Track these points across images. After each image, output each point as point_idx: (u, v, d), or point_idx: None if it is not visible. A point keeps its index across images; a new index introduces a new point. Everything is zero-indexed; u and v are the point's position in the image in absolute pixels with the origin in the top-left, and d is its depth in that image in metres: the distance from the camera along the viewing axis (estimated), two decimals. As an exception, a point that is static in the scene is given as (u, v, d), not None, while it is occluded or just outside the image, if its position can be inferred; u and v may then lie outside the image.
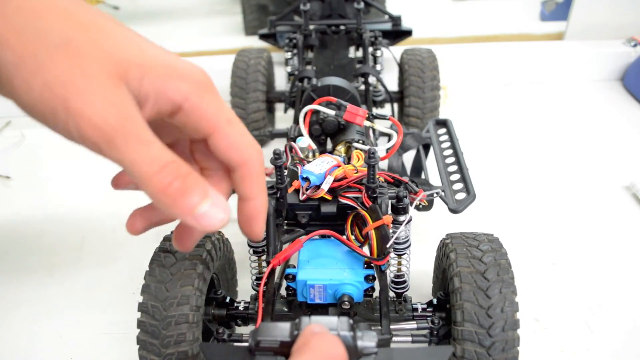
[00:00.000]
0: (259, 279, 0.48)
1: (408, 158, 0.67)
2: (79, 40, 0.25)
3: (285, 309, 0.44)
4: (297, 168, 0.46)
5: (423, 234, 0.62)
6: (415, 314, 0.44)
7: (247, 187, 0.31)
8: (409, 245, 0.45)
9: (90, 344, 0.54)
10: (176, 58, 0.28)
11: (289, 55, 0.81)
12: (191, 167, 0.27)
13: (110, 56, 0.25)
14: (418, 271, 0.52)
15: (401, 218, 0.44)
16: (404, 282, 0.46)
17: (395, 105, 0.83)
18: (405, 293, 0.47)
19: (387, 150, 0.51)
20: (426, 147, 0.67)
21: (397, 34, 0.92)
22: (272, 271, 0.42)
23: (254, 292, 0.48)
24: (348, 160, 0.51)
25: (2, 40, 0.24)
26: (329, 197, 0.45)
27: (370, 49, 0.81)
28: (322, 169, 0.45)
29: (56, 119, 0.25)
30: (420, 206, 0.52)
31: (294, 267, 0.42)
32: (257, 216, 0.32)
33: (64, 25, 0.25)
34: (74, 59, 0.24)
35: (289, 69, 0.81)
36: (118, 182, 0.32)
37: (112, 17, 0.28)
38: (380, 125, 0.52)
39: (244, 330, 0.49)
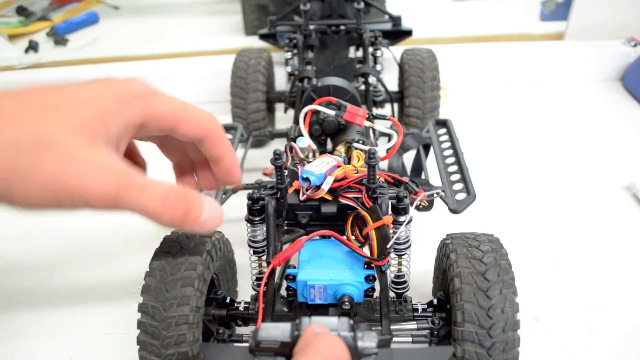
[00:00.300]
0: (259, 279, 0.48)
1: (408, 158, 0.67)
2: (45, 131, 0.27)
3: (286, 309, 0.44)
4: (297, 168, 0.46)
5: (423, 234, 0.62)
6: (415, 314, 0.44)
7: (219, 150, 0.37)
8: (410, 246, 0.45)
9: (90, 344, 0.54)
10: (116, 87, 0.31)
11: (289, 55, 0.81)
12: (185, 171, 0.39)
13: (76, 126, 0.27)
14: (418, 271, 0.52)
15: (401, 218, 0.44)
16: (405, 282, 0.46)
17: (396, 105, 0.83)
18: (405, 293, 0.47)
19: (387, 150, 0.51)
20: (426, 147, 0.67)
21: (397, 34, 0.92)
22: (272, 272, 0.42)
23: (254, 292, 0.48)
24: (348, 160, 0.51)
25: None
26: (329, 198, 0.45)
27: (370, 49, 0.81)
28: (322, 169, 0.45)
29: (63, 205, 0.28)
30: (421, 206, 0.52)
31: (294, 267, 0.42)
32: (234, 167, 0.39)
33: (26, 127, 0.26)
34: (51, 149, 0.26)
35: (289, 69, 0.81)
36: None
37: (46, 87, 0.30)
38: (380, 126, 0.52)
39: (244, 330, 0.49)
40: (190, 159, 0.40)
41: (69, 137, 0.27)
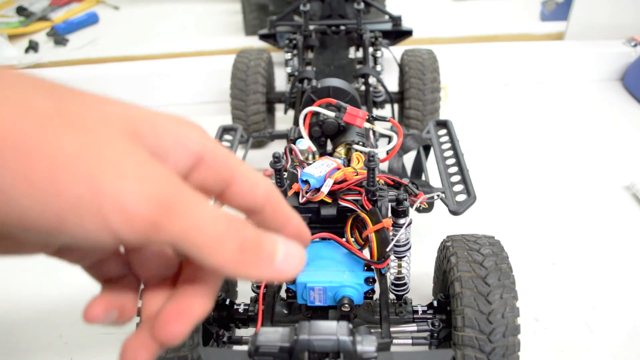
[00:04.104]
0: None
1: (408, 159, 0.67)
2: (70, 106, 0.19)
3: (285, 312, 0.44)
4: (297, 171, 0.46)
5: (424, 235, 0.62)
6: (415, 316, 0.44)
7: (281, 216, 0.26)
8: (409, 248, 0.45)
9: (90, 344, 0.54)
10: (171, 113, 0.23)
11: (288, 56, 0.81)
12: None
13: (112, 115, 0.20)
14: (419, 272, 0.52)
15: (401, 221, 0.44)
16: (404, 284, 0.46)
17: (396, 106, 0.83)
18: (405, 295, 0.46)
19: (388, 152, 0.51)
20: (427, 148, 0.67)
21: (398, 34, 0.92)
22: (272, 274, 0.42)
23: (253, 294, 0.48)
24: (348, 162, 0.50)
25: None
26: (328, 200, 0.45)
27: (371, 50, 0.81)
28: (321, 171, 0.45)
29: (81, 214, 0.17)
30: (421, 208, 0.52)
31: (294, 269, 0.42)
32: (302, 226, 0.26)
33: (48, 97, 0.19)
34: (75, 126, 0.18)
35: (288, 69, 0.81)
36: (93, 312, 0.25)
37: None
38: (381, 127, 0.52)
39: (243, 332, 0.49)
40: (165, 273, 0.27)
41: (102, 123, 0.19)
